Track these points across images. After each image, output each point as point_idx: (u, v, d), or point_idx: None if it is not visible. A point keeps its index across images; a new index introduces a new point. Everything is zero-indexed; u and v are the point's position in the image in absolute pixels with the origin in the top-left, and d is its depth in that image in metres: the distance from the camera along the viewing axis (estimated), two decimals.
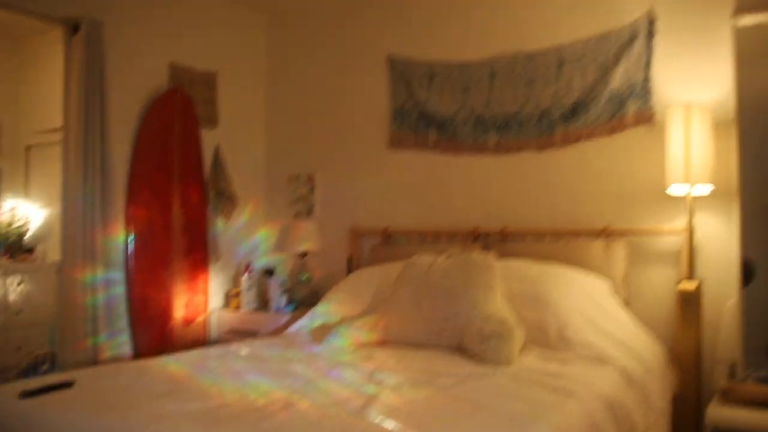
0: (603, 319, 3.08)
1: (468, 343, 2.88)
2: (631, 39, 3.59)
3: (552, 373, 2.59)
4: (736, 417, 2.66)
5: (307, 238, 4.44)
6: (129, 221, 3.89)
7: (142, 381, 2.39)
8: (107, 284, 3.66)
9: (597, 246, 3.51)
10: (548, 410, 2.14)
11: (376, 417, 1.94)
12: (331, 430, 1.83)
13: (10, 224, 4.96)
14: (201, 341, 4.15)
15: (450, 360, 2.79)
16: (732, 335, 3.17)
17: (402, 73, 4.33)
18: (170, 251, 4.06)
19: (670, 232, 3.41)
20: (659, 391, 2.88)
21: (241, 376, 2.49)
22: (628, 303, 3.40)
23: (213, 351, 3.09)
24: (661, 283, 3.46)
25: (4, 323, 4.26)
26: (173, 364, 2.71)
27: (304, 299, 4.35)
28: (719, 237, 3.35)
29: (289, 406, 2.04)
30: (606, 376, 2.63)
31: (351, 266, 4.35)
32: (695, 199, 3.28)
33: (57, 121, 3.80)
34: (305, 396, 2.17)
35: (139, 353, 3.77)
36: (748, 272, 3.15)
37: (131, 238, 3.88)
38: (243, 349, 3.11)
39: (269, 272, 4.59)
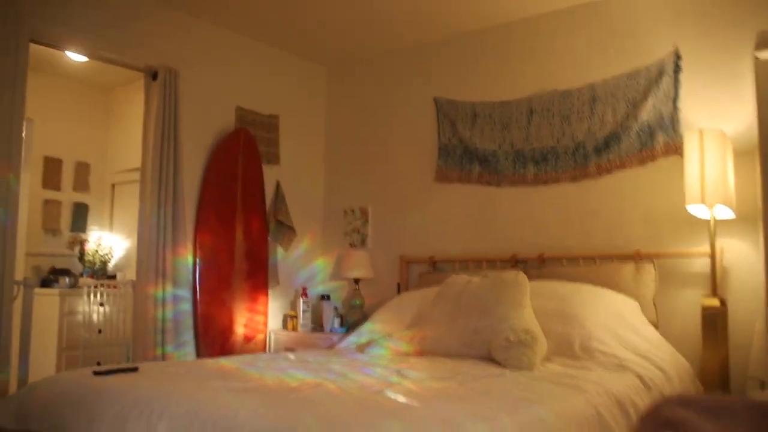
0: (627, 333, 3.24)
1: (494, 351, 3.09)
2: (659, 75, 3.82)
3: (568, 375, 2.78)
4: None
5: (360, 266, 4.76)
6: (197, 245, 4.31)
7: (196, 370, 2.73)
8: (176, 300, 4.05)
9: (628, 269, 3.68)
10: (553, 398, 2.34)
11: (391, 396, 2.20)
12: (348, 401, 2.10)
13: (96, 252, 5.50)
14: None
15: (475, 365, 3.01)
16: (761, 353, 3.27)
17: (447, 113, 4.66)
18: (233, 274, 4.45)
19: (697, 254, 3.56)
20: None
21: (283, 370, 2.79)
22: (656, 323, 3.53)
23: (264, 355, 3.42)
24: (690, 304, 3.59)
25: (87, 341, 4.70)
26: (226, 361, 3.04)
27: (356, 322, 4.64)
28: (747, 260, 3.48)
29: (317, 386, 2.33)
30: (622, 380, 2.79)
31: (400, 292, 4.63)
32: (720, 223, 3.43)
33: (138, 161, 4.25)
34: (334, 382, 2.45)
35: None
36: None
37: (198, 260, 4.29)
38: (291, 354, 3.42)
39: (325, 297, 4.92)
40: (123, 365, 2.68)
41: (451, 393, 2.33)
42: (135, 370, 2.64)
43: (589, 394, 2.49)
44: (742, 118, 3.55)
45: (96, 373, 2.53)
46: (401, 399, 2.13)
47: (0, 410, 2.53)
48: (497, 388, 2.47)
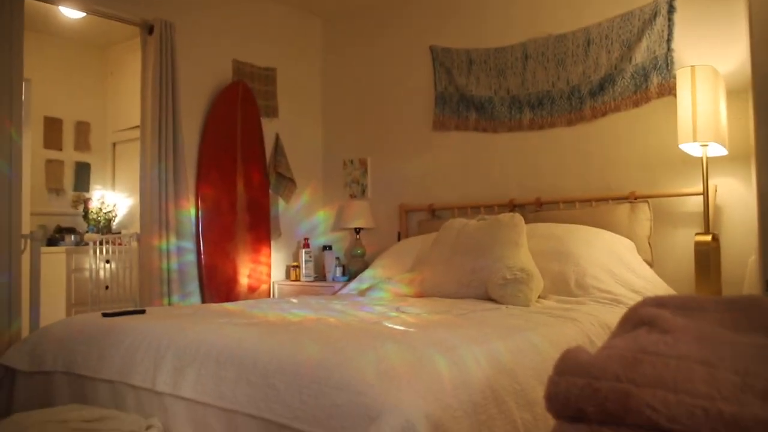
0: (622, 270, 3.31)
1: (490, 290, 3.18)
2: (653, 15, 3.82)
3: (563, 308, 2.87)
4: None
5: (361, 216, 4.83)
6: (199, 198, 4.37)
7: (202, 311, 2.82)
8: (180, 252, 4.13)
9: (623, 210, 3.74)
10: (545, 327, 2.43)
11: (388, 325, 2.28)
12: (347, 330, 2.18)
13: (99, 210, 5.57)
14: None
15: (473, 302, 3.10)
16: (754, 288, 3.35)
17: (443, 62, 4.68)
18: (235, 226, 4.52)
19: (691, 194, 3.61)
20: None
21: (286, 310, 2.87)
22: (651, 262, 3.60)
23: (268, 299, 3.51)
24: (685, 243, 3.65)
25: (95, 297, 4.80)
26: (231, 305, 3.13)
27: (358, 271, 4.72)
28: (740, 198, 3.53)
29: (318, 320, 2.42)
30: (614, 312, 2.86)
31: (400, 240, 4.70)
32: (713, 162, 3.48)
33: (138, 120, 4.28)
34: (335, 317, 2.54)
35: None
36: None
37: (201, 212, 4.35)
38: (294, 299, 3.51)
39: (327, 248, 5.00)
40: (131, 309, 2.77)
41: (448, 323, 2.41)
42: (143, 312, 2.73)
43: (581, 323, 2.57)
44: (736, 56, 3.56)
45: (105, 315, 2.62)
46: (399, 327, 2.21)
47: (14, 354, 2.63)
48: (492, 319, 2.55)
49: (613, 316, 2.79)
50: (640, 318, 1.29)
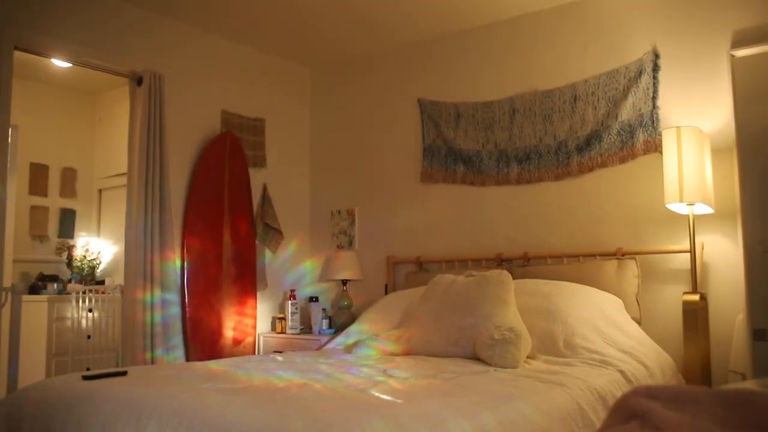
0: (611, 329, 3.29)
1: (478, 350, 3.14)
2: (639, 73, 3.88)
3: (552, 372, 2.83)
4: None
5: (348, 268, 4.80)
6: (184, 249, 4.33)
7: (185, 373, 2.76)
8: (164, 305, 4.08)
9: (610, 266, 3.74)
10: (534, 394, 2.40)
11: (375, 394, 2.24)
12: (334, 399, 2.14)
13: (83, 258, 5.51)
14: None
15: (461, 363, 3.06)
16: (742, 347, 3.34)
17: (431, 114, 4.71)
18: (221, 277, 4.48)
19: (678, 251, 3.62)
20: None
21: (271, 371, 2.82)
22: (640, 319, 3.59)
23: (253, 357, 3.46)
24: (672, 300, 3.65)
25: (77, 346, 4.72)
26: (215, 364, 3.07)
27: (344, 323, 4.67)
28: (726, 256, 3.55)
29: (304, 386, 2.37)
30: (604, 375, 2.84)
31: (388, 292, 4.68)
32: (700, 219, 3.50)
33: (125, 166, 4.26)
34: (321, 382, 2.49)
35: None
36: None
37: (186, 264, 4.31)
38: (280, 356, 3.46)
39: (313, 299, 4.96)
40: (112, 370, 2.71)
41: (435, 390, 2.37)
42: (124, 374, 2.67)
43: (570, 389, 2.54)
44: (720, 115, 3.61)
45: (85, 378, 2.56)
46: (386, 397, 2.17)
47: None
48: (480, 384, 2.52)
49: (603, 379, 2.78)
50: (632, 410, 1.27)
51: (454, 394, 2.31)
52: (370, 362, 3.17)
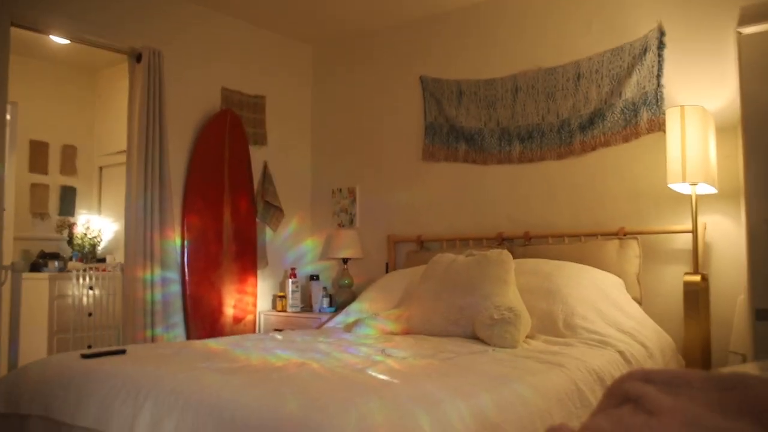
0: (611, 310, 3.28)
1: (478, 329, 3.13)
2: (643, 51, 3.83)
3: (551, 352, 2.82)
4: None
5: (349, 246, 4.79)
6: (184, 227, 4.32)
7: (184, 352, 2.76)
8: (164, 283, 4.08)
9: (612, 246, 3.72)
10: (531, 374, 2.39)
11: (372, 374, 2.24)
12: (331, 379, 2.13)
13: (84, 236, 5.51)
14: None
15: (460, 343, 3.05)
16: (743, 328, 3.33)
17: (433, 92, 4.66)
18: (221, 255, 4.47)
19: (680, 231, 3.59)
20: None
21: (269, 351, 2.82)
22: (640, 299, 3.58)
23: (252, 336, 3.45)
24: (674, 280, 3.63)
25: (79, 323, 4.73)
26: (214, 343, 3.07)
27: (345, 302, 4.68)
28: (729, 236, 3.52)
29: (302, 365, 2.37)
30: (602, 356, 2.83)
31: (388, 271, 4.67)
32: (702, 199, 3.47)
33: (125, 144, 4.25)
34: (319, 362, 2.49)
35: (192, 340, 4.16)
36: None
37: (186, 242, 4.30)
38: (279, 335, 3.46)
39: (314, 277, 4.96)
40: (111, 348, 2.71)
41: (433, 370, 2.36)
42: (123, 352, 2.67)
43: (569, 369, 2.53)
44: (725, 93, 3.57)
45: (84, 356, 2.56)
46: (383, 377, 2.16)
47: None
48: (478, 364, 2.51)
49: (601, 360, 2.77)
50: (626, 394, 1.25)
51: (451, 374, 2.30)
52: (369, 341, 3.16)
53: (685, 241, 3.62)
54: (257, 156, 4.85)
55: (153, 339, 3.97)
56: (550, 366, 2.54)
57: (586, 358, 2.72)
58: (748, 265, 3.35)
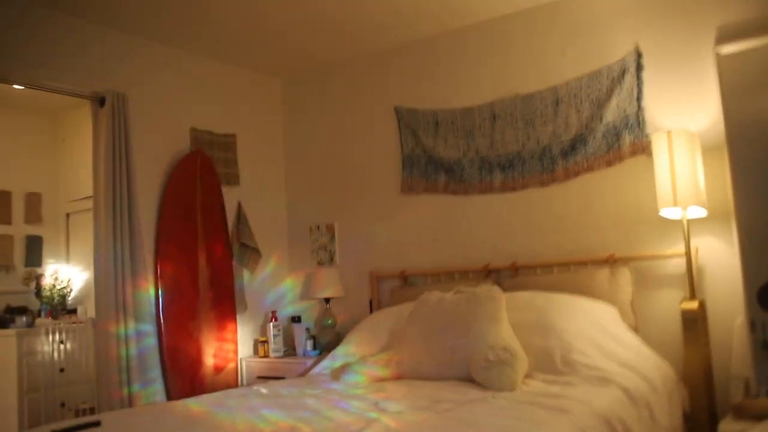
0: (608, 342, 3.16)
1: (473, 372, 2.99)
2: (622, 73, 3.76)
3: (552, 394, 2.69)
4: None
5: (330, 285, 4.63)
6: (158, 276, 4.13)
7: (163, 419, 2.58)
8: (139, 336, 3.87)
9: (603, 274, 3.61)
10: (537, 425, 2.25)
11: None
12: None
13: (53, 287, 5.28)
14: (232, 387, 4.31)
15: (456, 388, 2.91)
16: (744, 352, 3.23)
17: (408, 123, 4.55)
18: (198, 303, 4.28)
19: (672, 255, 3.50)
20: (666, 409, 2.93)
21: (255, 411, 2.65)
22: (636, 327, 3.47)
23: (235, 391, 3.27)
24: (669, 306, 3.53)
25: (50, 380, 4.50)
26: (195, 404, 2.89)
27: (329, 343, 4.51)
28: (723, 259, 3.43)
29: (292, 430, 2.20)
30: (606, 395, 2.70)
31: (372, 309, 4.52)
32: (693, 222, 3.38)
33: (91, 189, 4.07)
34: (310, 424, 2.32)
35: (172, 401, 3.95)
36: None
37: (161, 291, 4.11)
38: (263, 389, 3.28)
39: (295, 319, 4.78)
40: (83, 420, 2.51)
41: (432, 427, 2.22)
42: (97, 424, 2.48)
43: (575, 415, 2.39)
44: (708, 113, 3.50)
45: None
46: None
47: None
48: (480, 417, 2.36)
49: (606, 400, 2.64)
50: None
51: (452, 429, 2.16)
52: (360, 392, 3.00)
53: (676, 264, 3.53)
54: (230, 196, 4.68)
55: (130, 397, 3.75)
56: (555, 413, 2.40)
57: (590, 400, 2.59)
58: (744, 286, 3.27)
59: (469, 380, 3.04)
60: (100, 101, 3.97)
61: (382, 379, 3.29)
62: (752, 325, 3.17)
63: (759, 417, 2.75)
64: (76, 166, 5.57)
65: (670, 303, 3.52)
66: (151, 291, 4.06)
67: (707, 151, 3.42)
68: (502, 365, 2.89)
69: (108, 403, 3.71)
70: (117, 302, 3.80)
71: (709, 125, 3.48)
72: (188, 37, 4.35)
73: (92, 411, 4.16)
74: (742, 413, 2.82)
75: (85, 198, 5.17)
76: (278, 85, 5.28)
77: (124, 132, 3.96)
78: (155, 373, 3.95)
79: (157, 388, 3.94)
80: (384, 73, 4.75)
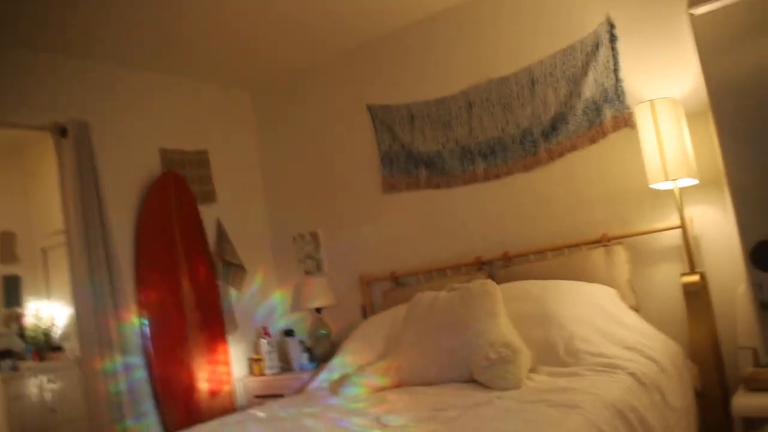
0: (611, 326, 3.05)
1: (475, 372, 2.88)
2: (596, 47, 3.64)
3: (560, 389, 2.58)
4: (763, 404, 2.61)
5: (320, 295, 4.50)
6: (141, 305, 3.99)
7: None
8: (128, 369, 3.73)
9: (597, 254, 3.50)
10: (548, 426, 2.13)
11: None
12: None
13: (36, 326, 5.12)
14: (229, 411, 4.18)
15: (459, 392, 2.79)
16: (749, 321, 3.13)
17: (383, 120, 4.42)
18: (186, 328, 4.14)
19: (666, 228, 3.40)
20: (677, 390, 2.82)
21: None
22: (637, 306, 3.36)
23: (231, 419, 3.13)
24: (668, 281, 3.43)
25: (43, 423, 4.35)
26: None
27: (325, 354, 4.38)
28: (718, 226, 3.32)
29: None
30: (615, 384, 2.59)
31: (366, 314, 4.39)
32: (684, 191, 3.27)
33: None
34: None
35: None
36: None
37: (145, 321, 3.97)
38: (261, 412, 3.15)
39: (288, 333, 4.65)
40: None
41: None
42: None
43: (586, 410, 2.28)
44: (688, 78, 3.39)
45: None
46: None
47: None
48: (487, 422, 2.25)
49: (616, 389, 2.52)
50: None
51: None
52: (361, 405, 2.88)
53: (671, 237, 3.42)
54: (208, 214, 4.53)
55: None
56: (565, 410, 2.28)
57: (599, 391, 2.48)
58: (743, 250, 3.17)
59: (472, 381, 2.92)
60: (61, 132, 3.81)
61: (382, 389, 3.17)
62: (756, 288, 3.07)
63: None
64: (48, 200, 5.40)
65: (669, 277, 3.42)
66: (136, 321, 3.92)
67: (691, 117, 3.30)
68: (504, 363, 2.77)
69: None
70: (101, 337, 3.66)
71: (690, 90, 3.37)
72: (149, 57, 4.20)
73: None
74: (753, 385, 2.72)
75: (61, 232, 5.00)
76: (247, 97, 5.13)
77: (90, 161, 3.82)
78: (148, 405, 3.81)
79: (152, 420, 3.80)
80: (353, 73, 4.62)
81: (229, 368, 4.35)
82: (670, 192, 3.28)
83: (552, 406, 2.34)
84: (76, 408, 4.29)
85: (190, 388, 4.08)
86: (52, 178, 4.82)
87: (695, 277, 3.11)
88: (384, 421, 2.46)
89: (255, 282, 4.80)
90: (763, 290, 3.06)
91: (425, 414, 2.48)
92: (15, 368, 4.77)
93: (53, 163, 4.28)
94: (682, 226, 3.20)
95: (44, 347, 5.11)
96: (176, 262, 4.19)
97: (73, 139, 3.77)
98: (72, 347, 5.09)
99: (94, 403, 3.62)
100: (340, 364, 3.75)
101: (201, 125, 4.69)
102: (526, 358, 2.85)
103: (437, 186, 4.24)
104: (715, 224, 3.33)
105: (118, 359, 3.70)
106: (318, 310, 4.54)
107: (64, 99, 3.87)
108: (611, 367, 2.75)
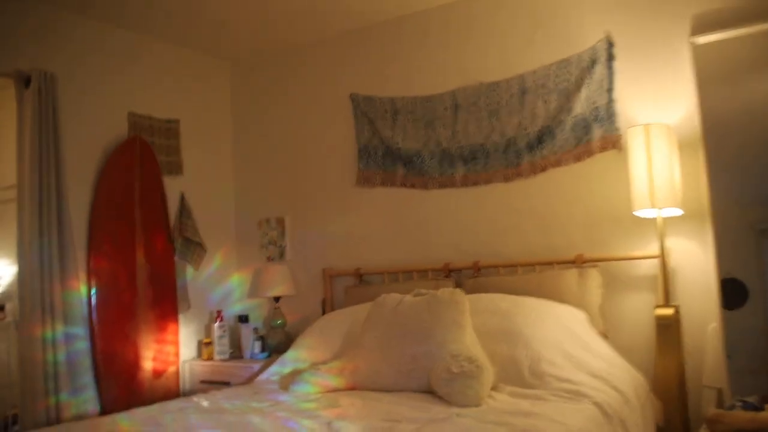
0: (578, 350, 2.95)
1: (435, 385, 2.75)
2: (592, 63, 3.54)
3: (523, 412, 2.46)
4: None
5: (280, 283, 4.33)
6: (91, 274, 3.79)
7: None
8: (68, 340, 3.52)
9: (570, 275, 3.40)
10: None
11: None
12: None
13: None
14: (172, 394, 4.01)
15: (416, 404, 2.66)
16: (717, 360, 3.07)
17: (365, 111, 4.27)
18: (136, 302, 3.95)
19: (644, 257, 3.31)
20: (640, 424, 2.74)
21: None
22: (605, 333, 3.27)
23: (173, 404, 2.96)
24: (640, 310, 3.35)
25: None
26: (125, 422, 2.58)
27: (278, 345, 4.23)
28: (696, 260, 3.25)
29: None
30: (580, 412, 2.49)
31: (325, 309, 4.25)
32: (667, 222, 3.19)
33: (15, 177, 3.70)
34: None
35: (106, 410, 3.61)
36: (741, 293, 3.09)
37: (94, 291, 3.77)
38: (205, 401, 2.99)
39: (242, 319, 4.48)
40: None
41: None
42: None
43: None
44: (682, 107, 3.31)
45: None
46: None
47: None
48: None
49: (580, 418, 2.42)
50: None
51: None
52: (311, 406, 2.74)
53: (649, 266, 3.34)
54: (172, 187, 4.33)
55: (57, 406, 3.41)
56: None
57: (563, 419, 2.37)
58: (720, 291, 3.10)
59: (429, 392, 2.80)
60: (25, 81, 3.59)
61: (334, 390, 3.04)
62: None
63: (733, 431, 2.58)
64: (2, 152, 5.12)
65: (641, 307, 3.34)
66: (83, 290, 3.72)
67: (682, 146, 3.22)
68: (466, 378, 2.65)
69: (32, 413, 3.36)
70: (44, 303, 3.46)
71: (683, 119, 3.30)
72: (128, 14, 3.99)
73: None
74: (715, 426, 2.64)
75: (10, 186, 4.74)
76: (227, 69, 4.94)
77: (53, 115, 3.60)
78: (87, 379, 3.60)
79: (90, 395, 3.59)
80: (340, 59, 4.46)
81: (177, 349, 4.17)
82: (652, 220, 3.20)
83: (513, 431, 2.23)
84: (7, 374, 4.06)
85: (133, 366, 3.89)
86: (5, 130, 4.59)
87: (670, 310, 3.03)
88: (335, 428, 2.32)
89: (214, 262, 4.61)
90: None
91: (379, 424, 2.35)
92: None
93: (8, 114, 4.06)
94: (662, 257, 3.12)
95: None
96: (133, 233, 3.99)
97: (36, 90, 3.55)
98: (12, 308, 4.84)
99: (28, 371, 3.41)
100: (293, 359, 3.60)
101: (175, 93, 4.48)
102: (489, 375, 2.73)
103: (413, 185, 4.11)
104: (693, 258, 3.26)
105: (60, 328, 3.49)
106: (276, 299, 4.38)
107: (32, 47, 3.65)
108: (576, 395, 2.65)
